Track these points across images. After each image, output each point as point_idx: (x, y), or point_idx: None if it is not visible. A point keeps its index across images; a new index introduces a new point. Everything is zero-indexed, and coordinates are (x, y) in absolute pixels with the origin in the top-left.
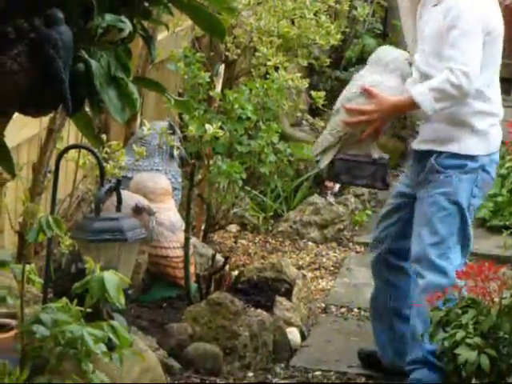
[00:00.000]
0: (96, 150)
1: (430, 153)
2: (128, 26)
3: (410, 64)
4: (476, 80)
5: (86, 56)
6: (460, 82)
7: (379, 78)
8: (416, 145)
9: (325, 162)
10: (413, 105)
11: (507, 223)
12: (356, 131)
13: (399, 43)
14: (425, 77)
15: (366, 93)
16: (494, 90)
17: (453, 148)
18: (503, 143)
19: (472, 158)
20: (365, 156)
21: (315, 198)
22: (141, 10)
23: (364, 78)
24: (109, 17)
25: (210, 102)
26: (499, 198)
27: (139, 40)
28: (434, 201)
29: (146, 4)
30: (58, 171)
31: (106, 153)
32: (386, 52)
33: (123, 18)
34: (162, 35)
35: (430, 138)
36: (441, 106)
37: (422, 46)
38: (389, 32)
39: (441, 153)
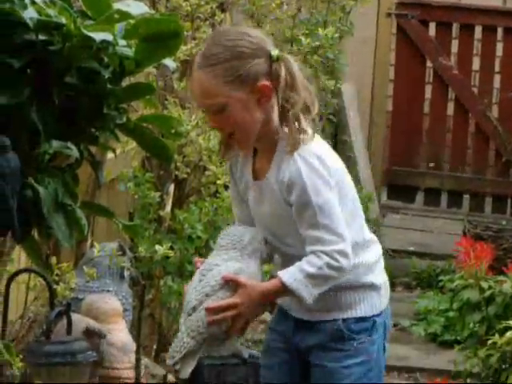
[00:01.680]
0: (46, 274)
1: (327, 321)
2: (75, 153)
3: (266, 242)
4: (351, 253)
5: (34, 183)
6: (340, 263)
7: (239, 265)
8: (302, 314)
9: (188, 369)
10: (286, 292)
11: (458, 338)
12: (221, 329)
13: (349, 159)
14: (284, 256)
15: (229, 283)
16: (366, 230)
17: (358, 313)
18: (452, 257)
19: (378, 314)
20: (233, 356)
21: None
22: (88, 136)
23: (219, 266)
24: (56, 143)
25: (160, 222)
26: (450, 313)
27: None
28: (351, 372)
29: (93, 130)
30: (9, 294)
31: (57, 275)
32: (239, 232)
33: (70, 144)
34: (111, 154)
35: (325, 307)
36: (320, 291)
37: (263, 223)
38: (338, 148)
39: (345, 319)
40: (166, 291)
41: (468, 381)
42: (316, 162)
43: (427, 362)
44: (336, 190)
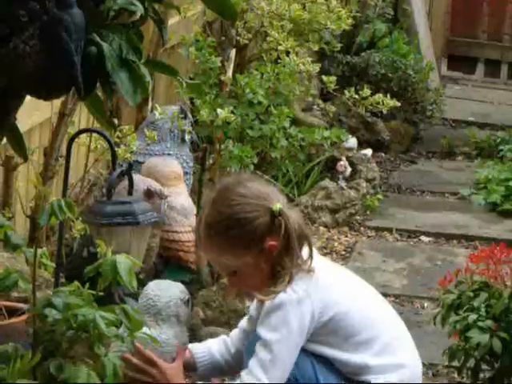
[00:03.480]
0: (107, 134)
1: None
2: (139, 9)
3: (188, 301)
4: None
5: (98, 39)
6: None
7: (152, 331)
8: None
9: None
10: None
11: None
12: None
13: (409, 28)
14: None
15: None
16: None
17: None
18: (508, 127)
19: None
20: None
21: (327, 183)
22: None
23: None
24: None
25: (221, 87)
26: (510, 183)
27: (150, 24)
28: None
29: None
30: (70, 155)
31: (118, 137)
32: (156, 295)
33: (135, 0)
34: (173, 20)
35: None
36: None
37: None
38: (399, 17)
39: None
40: (227, 156)
41: None
42: (288, 305)
43: (487, 230)
44: (317, 330)
